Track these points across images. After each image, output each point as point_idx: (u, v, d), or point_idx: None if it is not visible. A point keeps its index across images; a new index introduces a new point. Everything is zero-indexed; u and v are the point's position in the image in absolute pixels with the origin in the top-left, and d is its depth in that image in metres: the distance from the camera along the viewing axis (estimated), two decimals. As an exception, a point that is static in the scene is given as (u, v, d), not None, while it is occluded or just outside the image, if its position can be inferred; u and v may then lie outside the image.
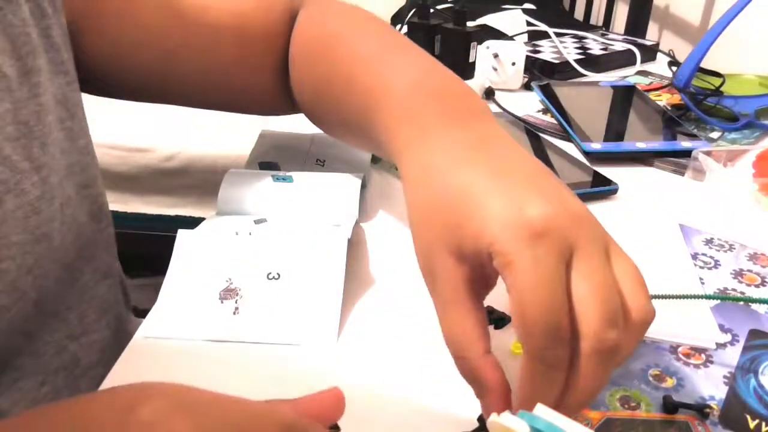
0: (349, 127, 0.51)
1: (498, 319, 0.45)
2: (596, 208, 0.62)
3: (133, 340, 0.44)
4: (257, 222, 0.53)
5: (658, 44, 1.12)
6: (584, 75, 0.99)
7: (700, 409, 0.38)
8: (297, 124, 0.73)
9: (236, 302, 0.46)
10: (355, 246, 0.54)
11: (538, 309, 0.28)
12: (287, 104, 0.60)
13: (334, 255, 0.48)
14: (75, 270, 0.48)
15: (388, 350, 0.44)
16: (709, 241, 0.55)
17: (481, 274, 0.33)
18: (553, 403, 0.29)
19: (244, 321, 0.45)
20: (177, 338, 0.44)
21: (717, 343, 0.44)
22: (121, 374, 0.42)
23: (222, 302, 0.46)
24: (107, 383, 0.41)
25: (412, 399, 0.40)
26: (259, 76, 0.58)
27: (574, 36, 1.14)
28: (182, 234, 0.49)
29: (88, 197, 0.49)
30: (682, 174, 0.69)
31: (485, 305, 0.35)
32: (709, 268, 0.52)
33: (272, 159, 0.65)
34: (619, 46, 1.07)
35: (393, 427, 0.38)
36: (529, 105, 0.88)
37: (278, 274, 0.47)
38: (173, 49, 0.54)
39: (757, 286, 0.50)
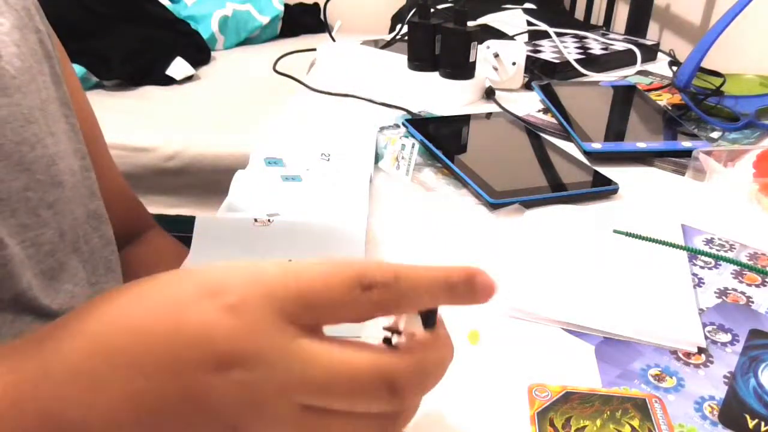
0: None
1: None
2: (596, 208, 0.62)
3: None
4: (270, 216, 0.53)
5: (658, 44, 1.12)
6: (585, 75, 0.99)
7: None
8: (297, 124, 0.73)
9: None
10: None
11: None
12: None
13: (353, 245, 0.48)
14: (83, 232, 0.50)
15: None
16: (709, 241, 0.55)
17: None
18: None
19: None
20: None
21: (718, 343, 0.44)
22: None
23: None
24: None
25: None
26: None
27: (575, 36, 1.14)
28: (201, 219, 0.49)
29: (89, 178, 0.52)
30: (683, 174, 0.69)
31: None
32: (710, 268, 0.52)
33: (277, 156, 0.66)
34: (620, 46, 1.07)
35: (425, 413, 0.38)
36: (530, 105, 0.88)
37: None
38: None
39: (757, 286, 0.50)
